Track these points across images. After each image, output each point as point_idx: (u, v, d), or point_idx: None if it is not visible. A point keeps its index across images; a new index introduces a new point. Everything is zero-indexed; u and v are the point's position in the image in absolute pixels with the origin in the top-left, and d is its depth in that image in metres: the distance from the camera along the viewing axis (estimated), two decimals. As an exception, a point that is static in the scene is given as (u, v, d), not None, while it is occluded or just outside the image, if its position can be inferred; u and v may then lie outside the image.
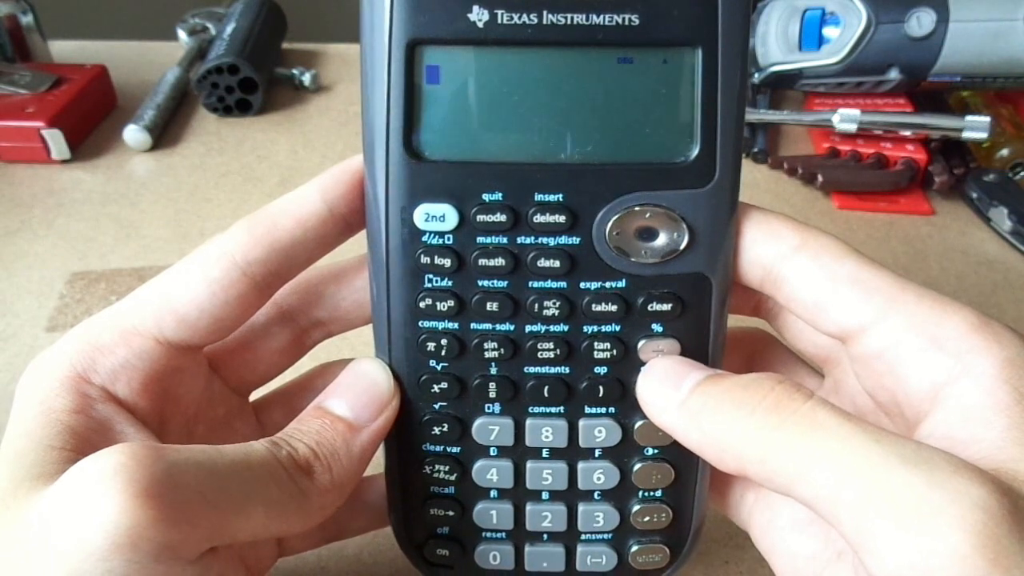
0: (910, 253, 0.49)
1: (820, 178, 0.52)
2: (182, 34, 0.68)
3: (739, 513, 0.25)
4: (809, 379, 0.25)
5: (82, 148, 0.55)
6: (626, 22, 0.19)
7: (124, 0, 1.12)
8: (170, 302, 0.21)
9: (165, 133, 0.57)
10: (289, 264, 0.22)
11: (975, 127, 0.50)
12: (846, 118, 0.52)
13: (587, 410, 0.23)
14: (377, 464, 0.24)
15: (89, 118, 0.57)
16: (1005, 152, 0.54)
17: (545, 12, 0.19)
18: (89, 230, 0.48)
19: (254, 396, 0.27)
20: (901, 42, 0.51)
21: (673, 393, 0.21)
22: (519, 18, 0.19)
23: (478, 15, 0.19)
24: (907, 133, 0.52)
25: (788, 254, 0.21)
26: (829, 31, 0.53)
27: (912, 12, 0.51)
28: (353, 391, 0.22)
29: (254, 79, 0.58)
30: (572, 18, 0.19)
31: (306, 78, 0.64)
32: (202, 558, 0.19)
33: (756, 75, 0.56)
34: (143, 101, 0.57)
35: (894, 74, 0.53)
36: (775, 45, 0.55)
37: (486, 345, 0.22)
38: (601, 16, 0.19)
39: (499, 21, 0.19)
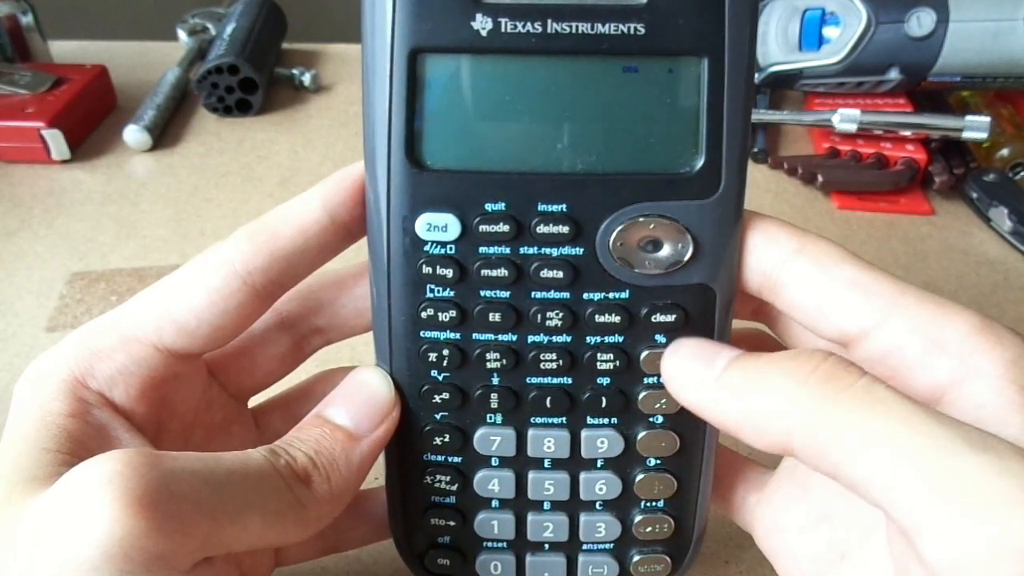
0: (910, 253, 0.49)
1: (820, 178, 0.52)
2: (182, 34, 0.68)
3: (742, 515, 0.25)
4: None
5: (82, 148, 0.55)
6: (632, 31, 0.19)
7: (124, 0, 1.12)
8: (170, 310, 0.21)
9: (165, 133, 0.57)
10: (291, 272, 0.22)
11: (975, 127, 0.50)
12: (846, 118, 0.52)
13: (589, 421, 0.23)
14: (378, 470, 0.24)
15: (89, 118, 0.57)
16: (1005, 152, 0.54)
17: (550, 21, 0.19)
18: (89, 230, 0.48)
19: (254, 401, 0.27)
20: (901, 42, 0.51)
21: (705, 370, 0.20)
22: (523, 27, 0.19)
23: (482, 23, 0.19)
24: (907, 133, 0.52)
25: (787, 258, 0.21)
26: (829, 31, 0.53)
27: (912, 12, 0.51)
28: (353, 400, 0.22)
29: (254, 79, 0.58)
30: (577, 27, 0.19)
31: (306, 78, 0.64)
32: (196, 568, 0.19)
33: (756, 75, 0.56)
34: (143, 101, 0.57)
35: (894, 74, 0.53)
36: (775, 45, 0.55)
37: (488, 356, 0.22)
38: (606, 25, 0.19)
39: (503, 30, 0.19)
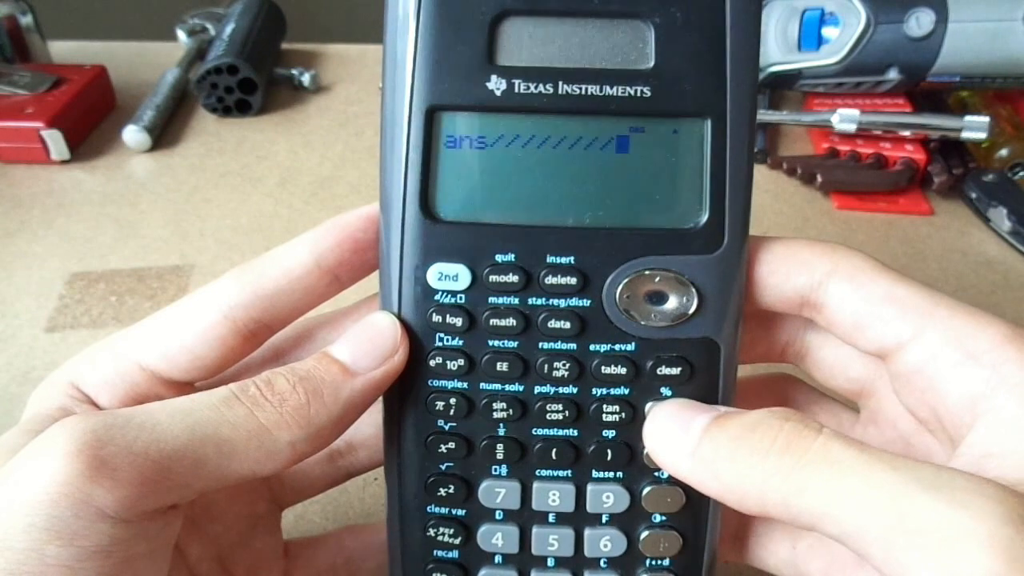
0: (909, 253, 0.49)
1: (819, 178, 0.52)
2: (181, 34, 0.68)
3: (795, 565, 0.24)
4: (843, 413, 0.25)
5: (81, 148, 0.55)
6: (638, 94, 0.20)
7: (124, 0, 1.12)
8: (155, 335, 0.22)
9: (164, 133, 0.57)
10: (273, 311, 0.23)
11: (974, 127, 0.50)
12: (845, 118, 0.52)
13: (595, 474, 0.23)
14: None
15: (88, 118, 0.57)
16: (1004, 152, 0.54)
17: (560, 83, 0.20)
18: (88, 230, 0.48)
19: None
20: (900, 42, 0.51)
21: (683, 441, 0.20)
22: (535, 88, 0.20)
23: (496, 84, 0.20)
24: (906, 133, 0.52)
25: (822, 280, 0.21)
26: (828, 31, 0.53)
27: (911, 12, 0.51)
28: (357, 338, 0.22)
29: (253, 79, 0.58)
30: (586, 89, 0.20)
31: (305, 78, 0.64)
32: (155, 517, 0.19)
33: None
34: (142, 101, 0.57)
35: (893, 74, 0.53)
36: (774, 45, 0.55)
37: (495, 405, 0.22)
38: (614, 88, 0.20)
39: (516, 90, 0.20)
